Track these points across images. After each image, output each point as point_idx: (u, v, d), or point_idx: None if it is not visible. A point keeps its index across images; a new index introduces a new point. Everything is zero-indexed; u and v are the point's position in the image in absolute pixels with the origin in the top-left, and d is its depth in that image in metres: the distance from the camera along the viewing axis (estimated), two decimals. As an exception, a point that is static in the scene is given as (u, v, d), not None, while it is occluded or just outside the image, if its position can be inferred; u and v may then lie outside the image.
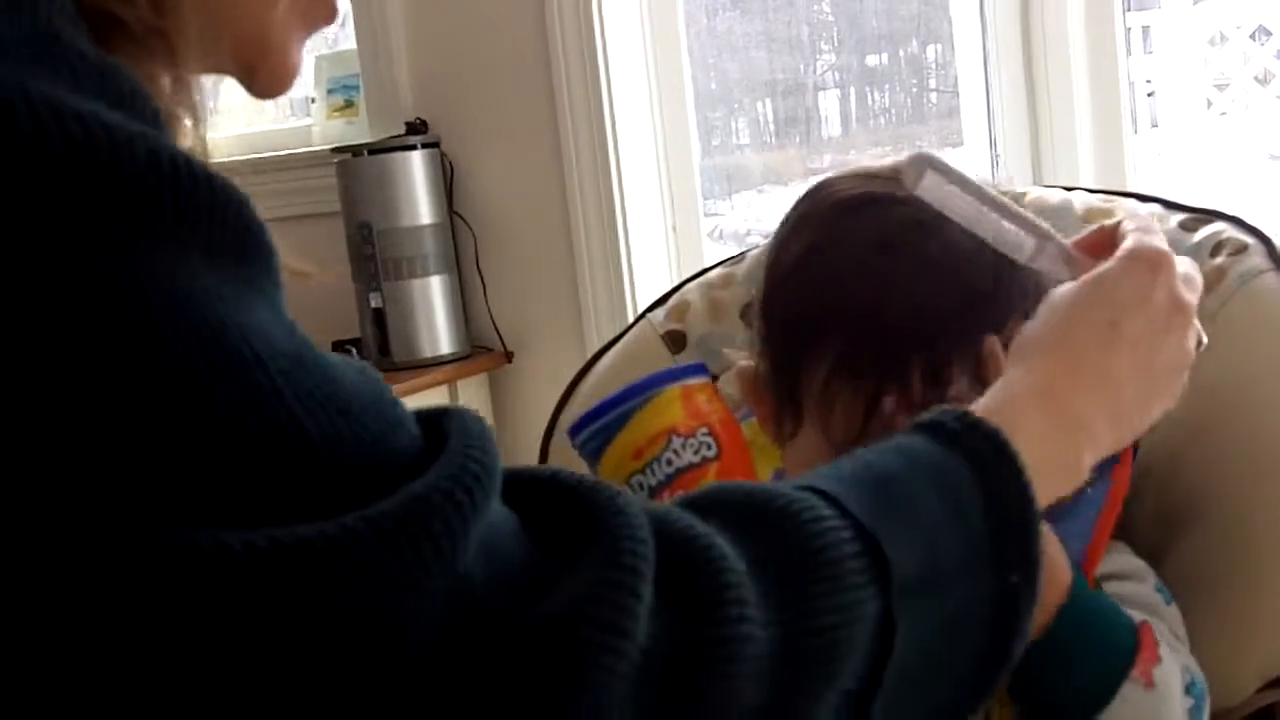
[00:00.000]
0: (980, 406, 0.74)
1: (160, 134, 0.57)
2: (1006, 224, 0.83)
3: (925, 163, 0.79)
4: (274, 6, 0.69)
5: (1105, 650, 0.89)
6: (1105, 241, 0.85)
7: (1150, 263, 0.80)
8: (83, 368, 0.48)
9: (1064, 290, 0.81)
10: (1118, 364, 0.77)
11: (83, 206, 0.49)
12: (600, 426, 0.91)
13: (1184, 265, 0.82)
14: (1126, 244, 0.81)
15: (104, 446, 0.48)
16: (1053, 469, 0.75)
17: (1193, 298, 0.81)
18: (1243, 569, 1.01)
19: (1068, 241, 0.86)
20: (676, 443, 0.89)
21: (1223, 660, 0.99)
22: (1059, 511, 0.98)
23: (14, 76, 0.49)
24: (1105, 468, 0.99)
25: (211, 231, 0.54)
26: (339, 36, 2.96)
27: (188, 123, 0.70)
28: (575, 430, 0.89)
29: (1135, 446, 1.01)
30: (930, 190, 0.80)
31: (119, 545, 0.48)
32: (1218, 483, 1.03)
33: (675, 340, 1.28)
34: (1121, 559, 0.98)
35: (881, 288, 0.90)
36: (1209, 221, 1.11)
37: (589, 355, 1.35)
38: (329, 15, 0.73)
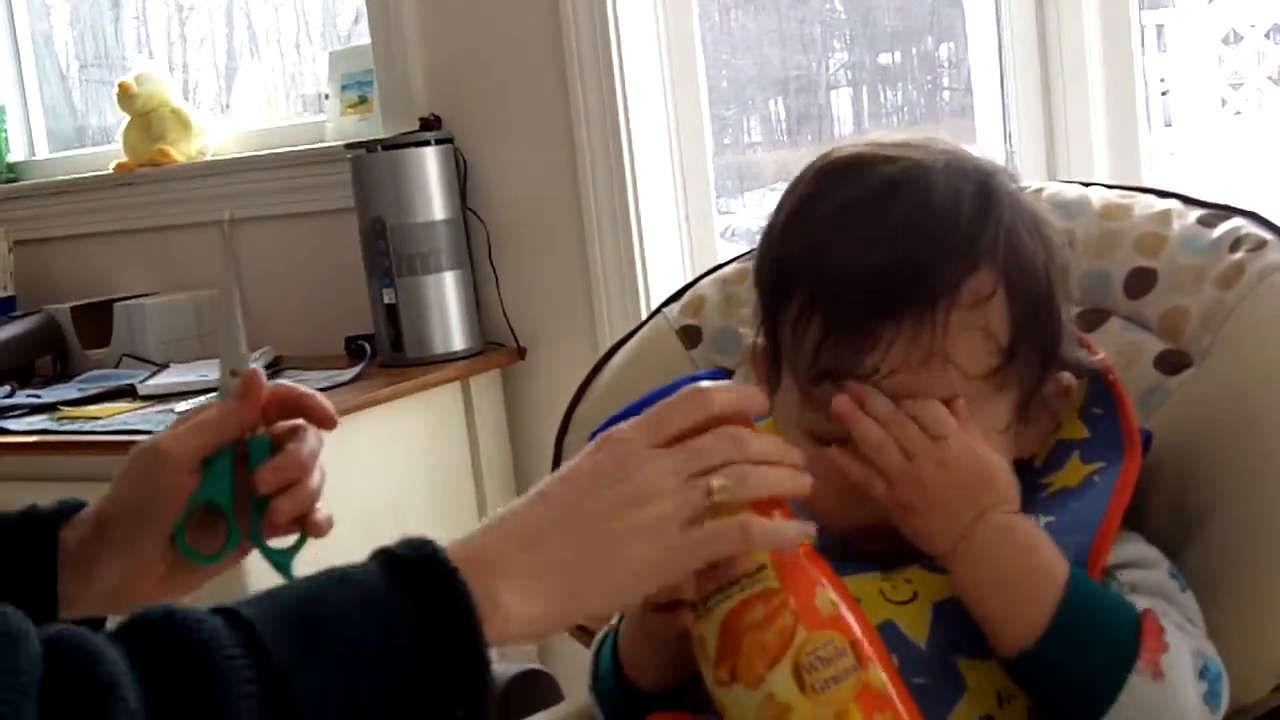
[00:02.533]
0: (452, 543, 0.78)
1: None
2: None
3: None
4: None
5: (1108, 643, 0.89)
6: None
7: (610, 444, 0.83)
8: None
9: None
10: (543, 522, 0.80)
11: None
12: None
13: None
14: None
15: None
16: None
17: (673, 476, 0.81)
18: (1258, 566, 1.01)
19: None
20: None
21: (1239, 659, 0.99)
22: (1067, 498, 0.98)
23: None
24: (1114, 457, 0.99)
25: None
26: (353, 33, 2.96)
27: None
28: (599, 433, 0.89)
29: (1148, 436, 1.02)
30: None
31: None
32: (1234, 480, 1.02)
33: (690, 335, 1.28)
34: (1134, 547, 0.98)
35: (846, 240, 0.94)
36: (1227, 217, 1.11)
37: (602, 351, 1.35)
38: None
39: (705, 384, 0.85)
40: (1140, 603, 0.92)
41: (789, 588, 0.83)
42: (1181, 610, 0.95)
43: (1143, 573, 0.96)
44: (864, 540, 1.00)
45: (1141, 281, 1.10)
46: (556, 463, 1.31)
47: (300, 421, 0.96)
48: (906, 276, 0.92)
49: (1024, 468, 1.01)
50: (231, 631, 0.68)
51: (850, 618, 0.83)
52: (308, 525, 0.94)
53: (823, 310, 0.94)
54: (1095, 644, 0.89)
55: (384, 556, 0.75)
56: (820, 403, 0.96)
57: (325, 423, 0.97)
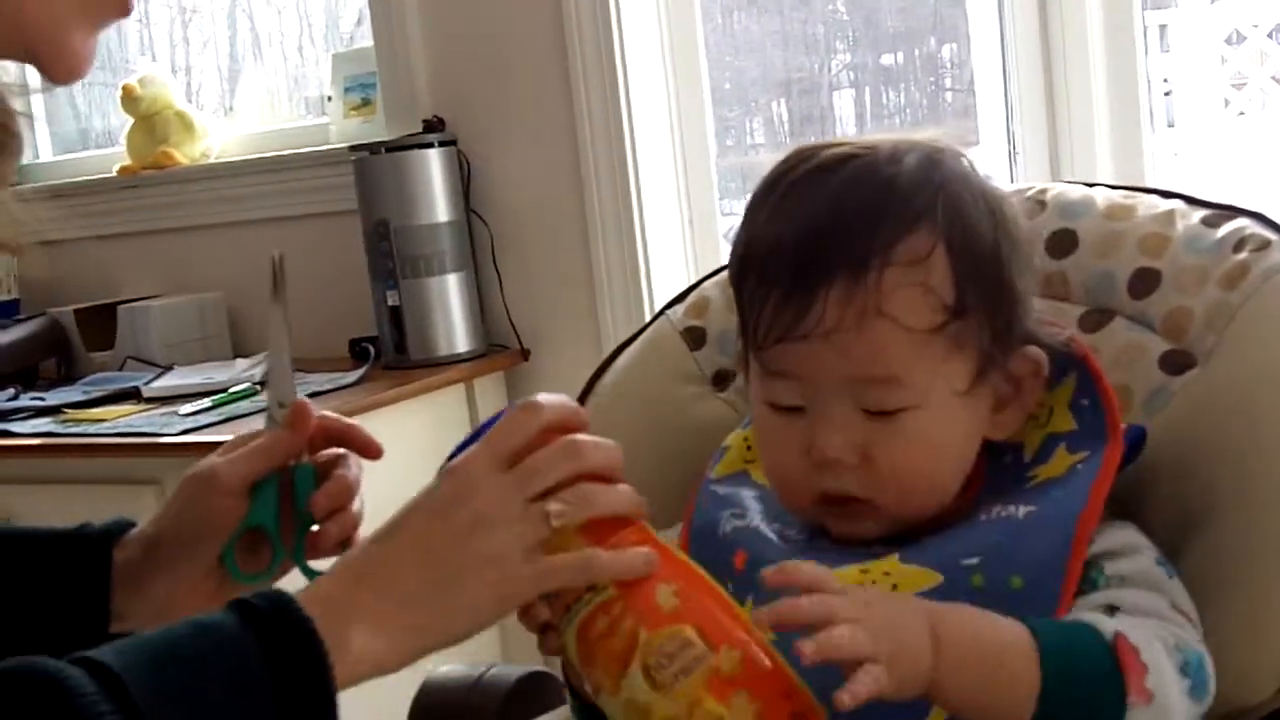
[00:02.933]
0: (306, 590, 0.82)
1: None
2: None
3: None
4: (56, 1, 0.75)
5: (1098, 694, 0.88)
6: None
7: (451, 474, 0.86)
8: None
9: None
10: (391, 556, 0.84)
11: None
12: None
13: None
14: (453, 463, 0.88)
15: None
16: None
17: (506, 508, 0.85)
18: (1261, 567, 1.00)
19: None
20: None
21: (1241, 660, 0.99)
22: (1050, 488, 0.98)
23: None
24: (1098, 445, 0.99)
25: None
26: (356, 35, 2.96)
27: None
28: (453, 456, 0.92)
29: (1142, 432, 1.02)
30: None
31: None
32: (1236, 479, 1.02)
33: (694, 336, 1.28)
34: (1119, 534, 0.98)
35: (789, 212, 0.98)
36: (1232, 217, 1.11)
37: (605, 353, 1.35)
38: (120, 10, 0.80)
39: (536, 397, 0.90)
40: (1108, 624, 0.90)
41: (626, 593, 0.84)
42: (1169, 597, 0.95)
43: (1127, 561, 0.96)
44: (836, 520, 1.01)
45: (1145, 282, 1.10)
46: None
47: (342, 451, 1.01)
48: (840, 238, 0.95)
49: (1014, 460, 1.02)
50: (96, 678, 0.72)
51: (701, 606, 0.84)
52: (351, 547, 0.98)
53: (768, 278, 0.98)
54: (1088, 696, 0.89)
55: (238, 605, 0.79)
56: (775, 371, 0.99)
57: (370, 452, 1.02)
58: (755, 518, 1.06)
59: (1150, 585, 0.95)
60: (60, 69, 0.79)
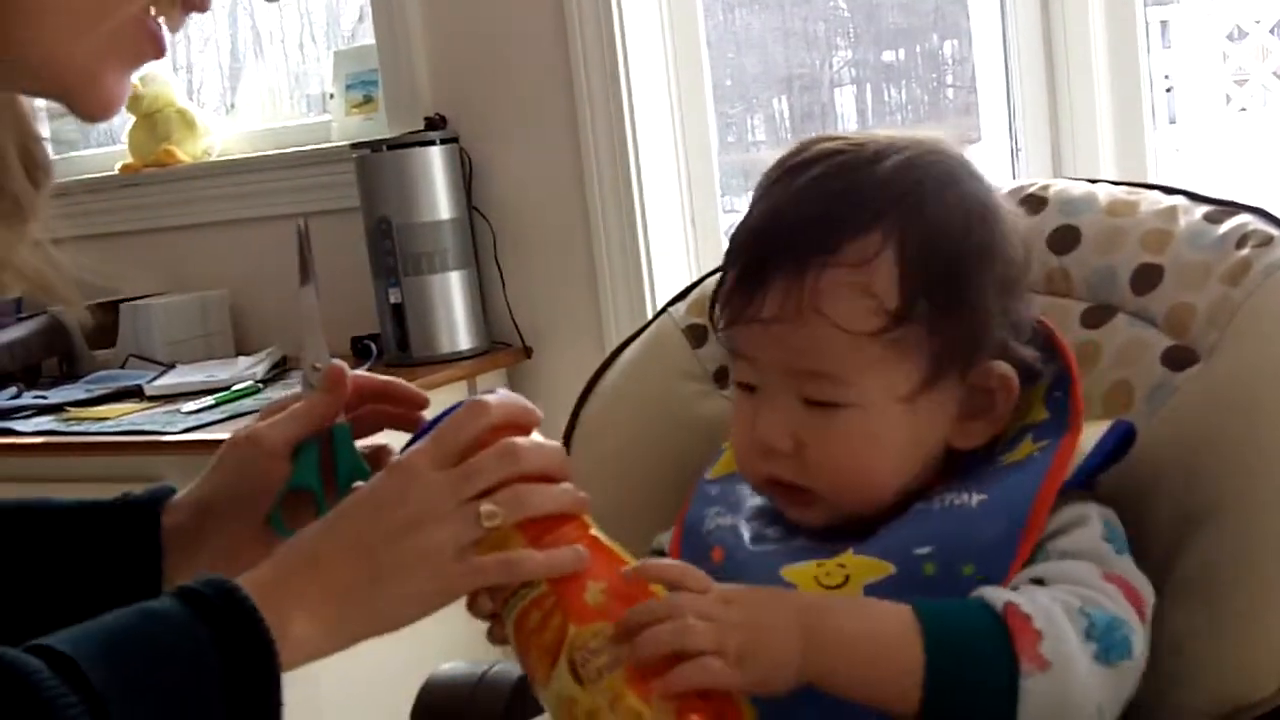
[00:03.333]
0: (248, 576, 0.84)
1: None
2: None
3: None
4: (81, 38, 0.75)
5: (987, 663, 0.88)
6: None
7: (395, 469, 0.90)
8: None
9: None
10: (331, 548, 0.87)
11: None
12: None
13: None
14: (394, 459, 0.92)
15: None
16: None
17: (449, 499, 0.88)
18: (1262, 563, 1.00)
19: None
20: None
21: (1243, 656, 0.99)
22: (1004, 475, 0.98)
23: None
24: (1057, 432, 0.99)
25: None
26: (357, 32, 2.96)
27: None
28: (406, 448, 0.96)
29: (1129, 428, 1.02)
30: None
31: None
32: (1238, 476, 1.02)
33: (696, 334, 1.28)
34: (1071, 510, 0.97)
35: (766, 204, 1.02)
36: (1234, 213, 1.11)
37: (608, 350, 1.35)
38: (156, 52, 0.81)
39: (483, 397, 0.93)
40: (1000, 595, 0.89)
41: (557, 589, 0.87)
42: (1105, 567, 0.94)
43: (1070, 537, 0.95)
44: (783, 504, 1.03)
45: (1148, 278, 1.10)
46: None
47: (385, 444, 1.05)
48: (792, 233, 0.98)
49: (986, 452, 1.02)
50: (56, 667, 0.74)
51: (628, 604, 0.86)
52: None
53: (730, 263, 1.03)
54: (976, 670, 0.88)
55: (185, 593, 0.81)
56: (733, 350, 1.03)
57: (415, 403, 1.06)
58: (739, 515, 1.07)
59: (1091, 559, 0.94)
60: (93, 109, 0.80)
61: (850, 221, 0.97)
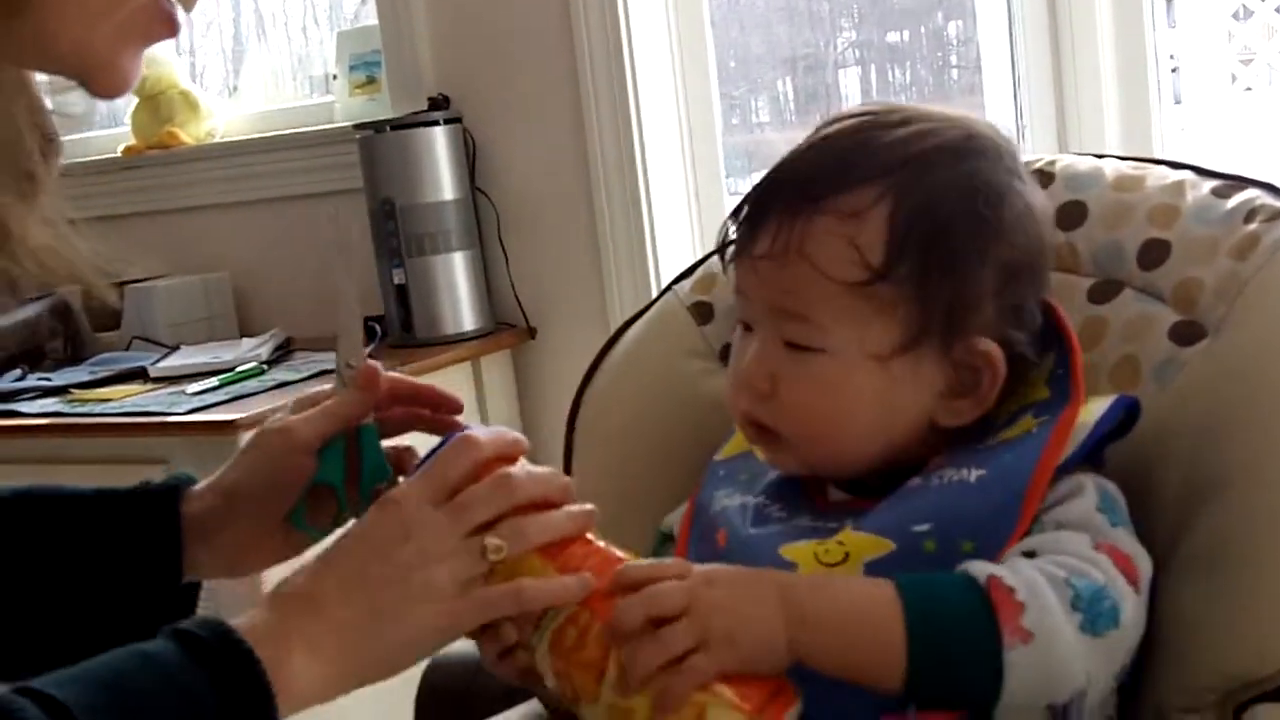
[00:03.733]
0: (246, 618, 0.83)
1: None
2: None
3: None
4: (99, 22, 0.76)
5: (970, 639, 0.88)
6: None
7: (390, 505, 0.89)
8: None
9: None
10: (330, 588, 0.86)
11: None
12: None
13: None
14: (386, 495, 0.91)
15: None
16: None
17: (449, 534, 0.88)
18: (1271, 538, 1.00)
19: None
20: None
21: (1252, 631, 0.99)
22: (1002, 451, 0.98)
23: None
24: (1057, 407, 0.99)
25: None
26: (360, 13, 2.96)
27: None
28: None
29: (1134, 403, 1.02)
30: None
31: None
32: (1246, 450, 1.01)
33: (702, 312, 1.28)
34: (1068, 483, 0.97)
35: (786, 157, 1.05)
36: (1242, 188, 1.10)
37: (612, 330, 1.35)
38: (169, 31, 0.81)
39: (474, 431, 0.93)
40: (984, 568, 0.90)
41: (590, 604, 0.88)
42: (1097, 537, 0.93)
43: (1065, 508, 0.95)
44: (759, 447, 1.06)
45: (1155, 253, 1.10)
46: (569, 442, 1.31)
47: (410, 445, 1.05)
48: (795, 179, 1.02)
49: (981, 429, 1.02)
50: (46, 710, 0.73)
51: None
52: None
53: (742, 202, 1.06)
54: (959, 644, 0.88)
55: (180, 635, 0.80)
56: (735, 288, 1.06)
57: (447, 407, 1.06)
58: (749, 494, 1.07)
59: (1084, 529, 0.94)
60: (107, 87, 0.80)
61: (851, 175, 1.00)
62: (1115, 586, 0.91)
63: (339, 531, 0.98)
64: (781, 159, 1.06)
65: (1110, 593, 0.90)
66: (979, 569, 0.90)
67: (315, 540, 1.03)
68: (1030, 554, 0.92)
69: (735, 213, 1.06)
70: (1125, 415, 1.00)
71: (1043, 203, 1.07)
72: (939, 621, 0.88)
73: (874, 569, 0.94)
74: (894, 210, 0.98)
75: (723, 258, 1.09)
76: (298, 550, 1.05)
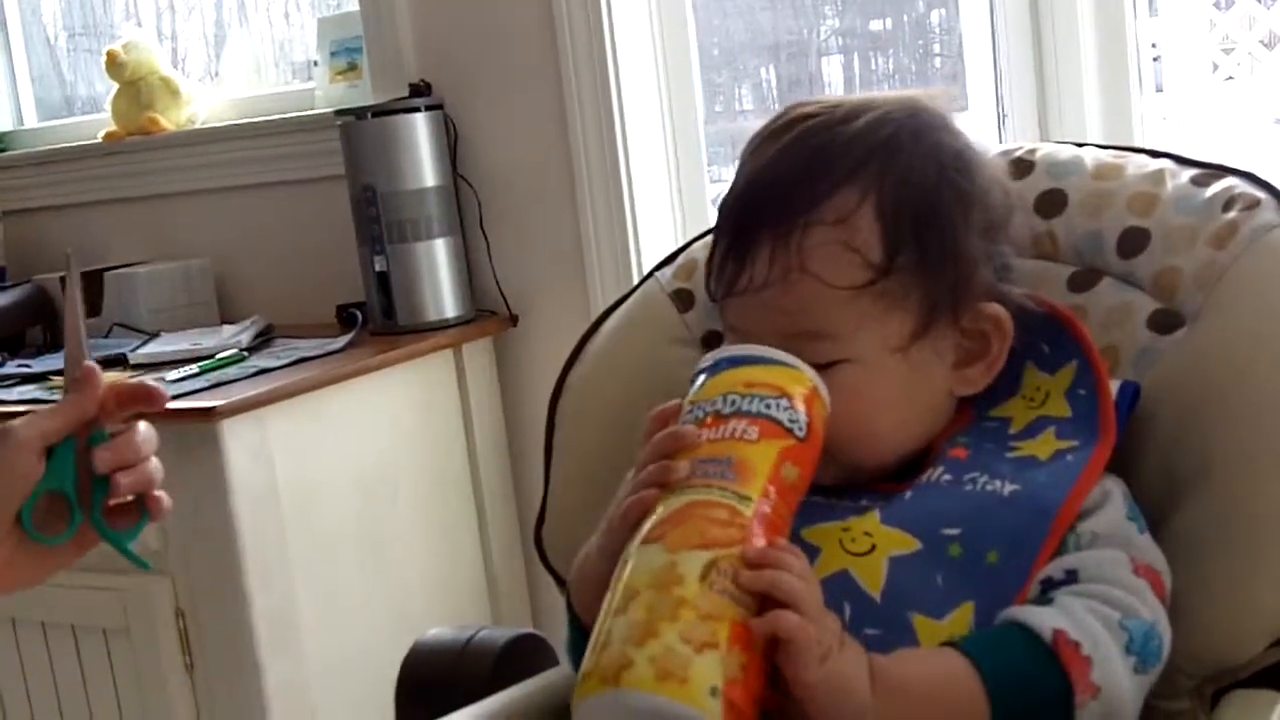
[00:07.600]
0: None
1: None
2: None
3: None
4: None
5: (1046, 703, 0.89)
6: None
7: None
8: None
9: None
10: None
11: None
12: (739, 356, 0.96)
13: None
14: None
15: None
16: None
17: None
18: (1249, 526, 1.01)
19: None
20: (784, 403, 0.92)
21: (1231, 619, 1.00)
22: (1035, 470, 0.98)
23: None
24: (1089, 438, 0.99)
25: None
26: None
27: None
28: (718, 358, 0.96)
29: (1135, 389, 1.02)
30: None
31: None
32: (1225, 438, 1.02)
33: (683, 299, 1.27)
34: (1096, 489, 0.98)
35: (749, 170, 1.04)
36: (1220, 177, 1.11)
37: (594, 318, 1.35)
38: None
39: None
40: (1045, 621, 0.90)
41: (757, 520, 0.86)
42: (1132, 554, 0.95)
43: (1098, 517, 0.96)
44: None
45: (1134, 241, 1.10)
46: (550, 428, 1.31)
47: (137, 422, 1.02)
48: (769, 199, 1.00)
49: (999, 427, 1.03)
50: None
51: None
52: (149, 504, 1.01)
53: (718, 236, 1.04)
54: (1038, 707, 0.90)
55: None
56: (728, 325, 1.04)
57: (153, 401, 1.02)
58: None
59: (1118, 542, 0.96)
60: None
61: (826, 180, 0.99)
62: (1160, 623, 0.93)
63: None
64: (742, 181, 1.04)
65: (1158, 630, 0.93)
66: (1038, 620, 0.90)
67: (50, 546, 1.00)
68: (1072, 574, 0.93)
69: (718, 248, 1.04)
70: (1131, 402, 1.02)
71: (992, 153, 1.09)
72: (1018, 688, 0.89)
73: (898, 564, 0.95)
74: (879, 204, 0.99)
75: (713, 298, 1.06)
76: (34, 564, 1.01)
